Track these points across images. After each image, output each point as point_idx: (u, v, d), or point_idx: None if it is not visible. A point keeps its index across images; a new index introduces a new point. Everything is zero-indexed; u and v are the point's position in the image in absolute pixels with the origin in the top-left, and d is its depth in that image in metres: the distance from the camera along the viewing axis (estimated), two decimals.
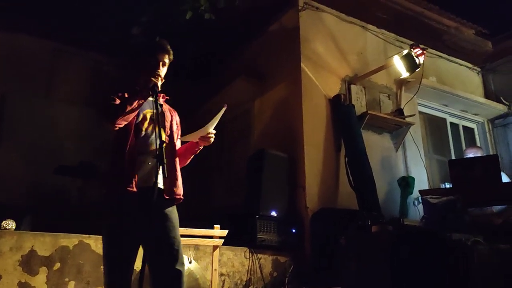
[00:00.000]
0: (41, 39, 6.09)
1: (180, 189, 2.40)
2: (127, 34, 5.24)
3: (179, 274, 2.20)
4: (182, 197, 2.42)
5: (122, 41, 5.33)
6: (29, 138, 5.62)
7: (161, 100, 2.49)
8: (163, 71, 2.40)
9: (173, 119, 2.53)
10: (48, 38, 6.11)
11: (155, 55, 2.38)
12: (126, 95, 2.28)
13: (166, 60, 2.43)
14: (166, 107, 2.54)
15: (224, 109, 2.36)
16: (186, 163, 2.59)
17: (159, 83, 2.31)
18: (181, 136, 2.56)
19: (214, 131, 2.42)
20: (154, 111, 2.18)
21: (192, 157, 2.56)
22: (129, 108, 2.20)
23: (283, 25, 5.38)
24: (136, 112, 2.28)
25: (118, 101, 2.25)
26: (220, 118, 2.43)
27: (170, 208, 2.32)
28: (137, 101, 2.23)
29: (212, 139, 2.43)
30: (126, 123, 2.26)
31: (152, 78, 2.28)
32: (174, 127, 2.52)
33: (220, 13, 4.96)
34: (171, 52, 2.47)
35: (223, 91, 5.82)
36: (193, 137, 2.46)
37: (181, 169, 2.49)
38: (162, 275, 2.21)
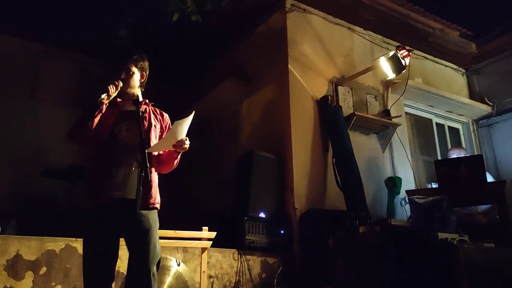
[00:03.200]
0: (25, 41, 6.05)
1: (154, 198, 2.37)
2: (114, 36, 5.20)
3: (148, 275, 2.23)
4: (157, 205, 2.39)
5: (108, 42, 5.29)
6: (14, 141, 5.55)
7: (142, 107, 2.44)
8: (127, 79, 2.44)
9: (152, 126, 2.47)
10: (32, 40, 6.06)
11: (121, 63, 2.45)
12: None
13: (133, 69, 2.47)
14: (148, 114, 2.49)
15: (192, 115, 2.30)
16: (171, 168, 2.53)
17: (111, 91, 2.28)
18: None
19: (186, 138, 2.35)
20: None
21: (175, 162, 2.48)
22: (90, 118, 2.26)
23: (271, 26, 5.38)
24: (96, 121, 2.28)
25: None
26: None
27: (145, 215, 2.30)
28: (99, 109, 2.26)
29: (187, 146, 2.36)
30: (86, 135, 2.28)
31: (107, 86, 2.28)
32: (153, 135, 2.45)
33: (207, 15, 4.95)
34: (138, 59, 2.50)
35: (211, 93, 5.80)
36: (163, 145, 2.40)
37: (162, 175, 2.51)
38: (133, 277, 2.26)
